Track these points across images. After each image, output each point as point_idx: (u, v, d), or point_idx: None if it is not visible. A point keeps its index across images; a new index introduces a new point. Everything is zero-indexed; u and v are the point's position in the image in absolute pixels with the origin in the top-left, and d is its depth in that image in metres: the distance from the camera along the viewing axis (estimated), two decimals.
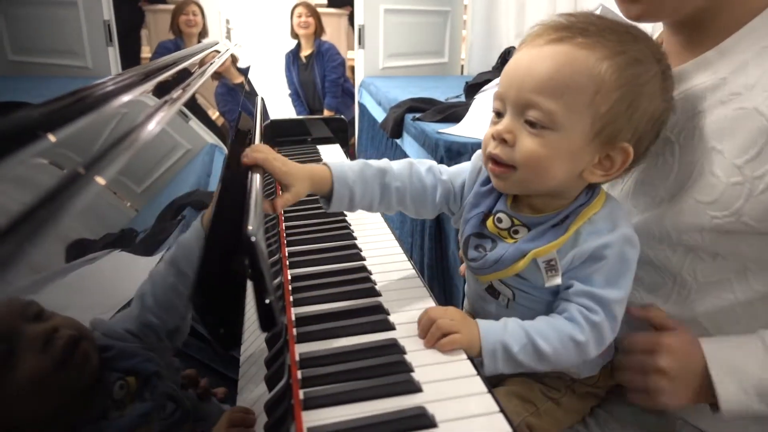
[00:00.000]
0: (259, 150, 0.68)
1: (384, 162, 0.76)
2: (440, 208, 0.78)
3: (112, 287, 0.43)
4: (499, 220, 0.68)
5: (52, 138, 0.39)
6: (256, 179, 0.62)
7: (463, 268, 0.84)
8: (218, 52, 1.51)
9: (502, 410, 0.54)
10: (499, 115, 0.64)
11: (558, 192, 0.65)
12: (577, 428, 0.77)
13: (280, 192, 0.70)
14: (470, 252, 0.70)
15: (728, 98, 0.62)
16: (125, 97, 0.56)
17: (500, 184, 0.67)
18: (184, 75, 0.93)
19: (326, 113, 3.92)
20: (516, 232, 0.67)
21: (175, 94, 0.78)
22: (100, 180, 0.42)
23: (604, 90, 0.58)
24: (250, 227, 0.48)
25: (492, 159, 0.64)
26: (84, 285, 0.40)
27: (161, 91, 0.75)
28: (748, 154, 0.59)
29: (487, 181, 0.71)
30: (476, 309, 0.77)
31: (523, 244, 0.65)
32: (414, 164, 0.76)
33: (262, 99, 1.36)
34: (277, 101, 4.20)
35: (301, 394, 0.55)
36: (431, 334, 0.63)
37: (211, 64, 1.28)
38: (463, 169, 0.77)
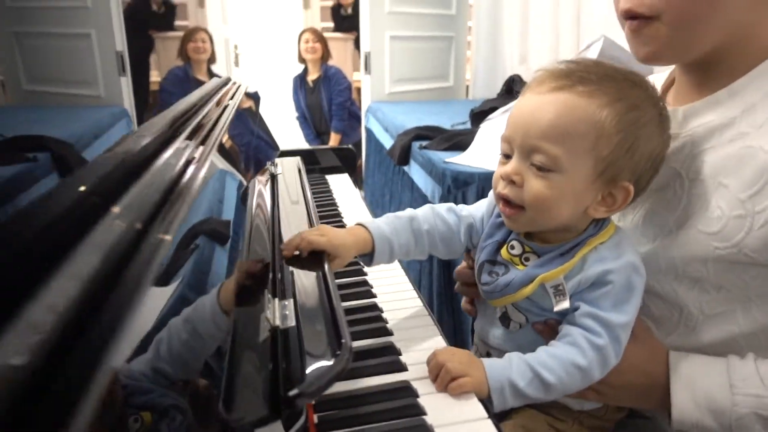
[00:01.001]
0: (306, 237, 0.72)
1: (409, 211, 0.80)
2: (467, 243, 0.81)
3: (146, 328, 0.46)
4: (512, 247, 0.72)
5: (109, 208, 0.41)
6: (332, 282, 0.65)
7: (464, 304, 0.86)
8: (235, 85, 1.55)
9: None
10: (507, 156, 0.68)
11: (565, 227, 0.68)
12: None
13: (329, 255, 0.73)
14: (483, 277, 0.73)
15: (737, 137, 0.65)
16: (165, 154, 0.59)
17: (511, 224, 0.70)
18: (209, 117, 0.96)
19: (333, 136, 3.97)
20: (527, 259, 0.70)
21: (202, 136, 0.81)
22: (131, 216, 0.44)
23: (605, 135, 0.62)
24: (348, 341, 0.52)
25: (502, 199, 0.68)
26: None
27: (190, 136, 0.78)
28: (752, 190, 0.62)
29: (500, 213, 0.74)
30: (484, 339, 0.79)
31: (532, 270, 0.68)
32: (435, 207, 0.81)
33: (300, 163, 1.36)
34: (285, 124, 4.26)
35: None
36: (441, 378, 0.65)
37: (232, 98, 1.32)
38: (482, 204, 0.81)
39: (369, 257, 0.77)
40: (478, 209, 0.81)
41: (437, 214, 0.80)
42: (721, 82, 0.67)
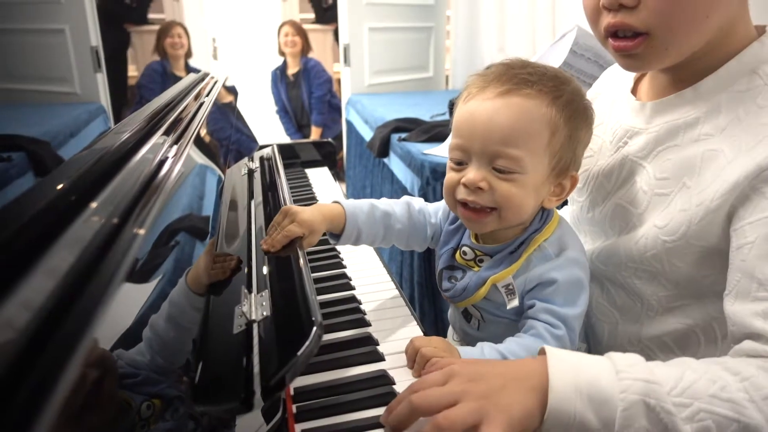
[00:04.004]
0: (282, 231, 0.73)
1: (387, 205, 0.83)
2: (428, 243, 0.85)
3: (124, 321, 0.47)
4: (465, 253, 0.76)
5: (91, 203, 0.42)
6: (305, 267, 0.66)
7: None
8: (212, 80, 1.55)
9: None
10: (459, 163, 0.69)
11: (523, 221, 0.72)
12: None
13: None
14: (444, 283, 0.77)
15: (701, 137, 0.66)
16: (142, 149, 0.60)
17: (477, 227, 0.72)
18: (186, 112, 0.96)
19: (314, 130, 3.96)
20: (481, 261, 0.74)
21: (179, 132, 0.81)
22: (108, 212, 0.45)
23: (557, 131, 0.67)
24: (317, 318, 0.53)
25: (464, 205, 0.69)
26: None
27: (168, 131, 0.79)
28: (700, 186, 0.64)
29: (454, 220, 0.79)
30: (457, 332, 0.84)
31: (484, 272, 0.72)
32: (410, 204, 0.84)
33: (277, 152, 1.36)
34: (265, 118, 4.23)
35: (296, 428, 0.59)
36: (417, 363, 0.67)
37: (208, 94, 1.32)
38: (438, 208, 0.84)
39: (336, 236, 0.80)
40: (437, 212, 0.84)
41: (411, 214, 0.83)
42: (690, 79, 0.68)
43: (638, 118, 0.74)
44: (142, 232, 0.43)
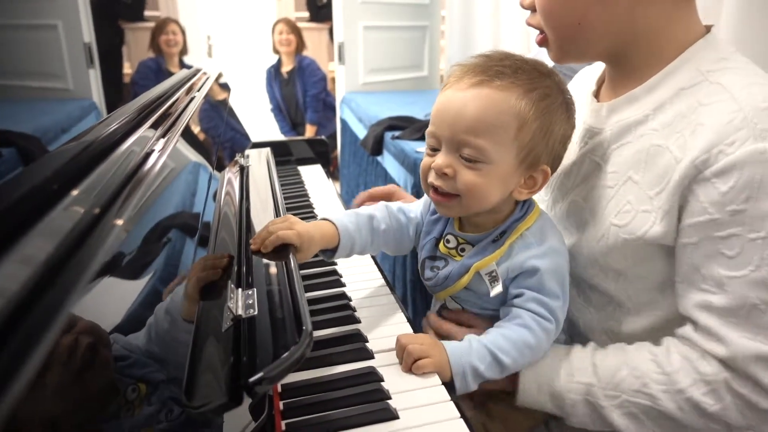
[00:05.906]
0: (275, 232, 0.72)
1: (368, 209, 0.83)
2: (414, 242, 0.85)
3: (100, 311, 0.46)
4: (448, 241, 0.76)
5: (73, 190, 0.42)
6: (296, 272, 0.65)
7: None
8: (204, 76, 1.54)
9: None
10: (433, 149, 0.71)
11: (493, 210, 0.72)
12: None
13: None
14: (426, 272, 0.78)
15: (648, 133, 0.69)
16: (129, 139, 0.59)
17: (444, 210, 0.74)
18: (176, 107, 0.96)
19: (308, 128, 3.95)
20: (463, 250, 0.75)
21: (168, 125, 0.80)
22: (90, 202, 0.44)
23: (526, 124, 0.67)
24: (308, 327, 0.53)
25: (434, 188, 0.71)
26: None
27: (156, 124, 0.78)
28: (658, 188, 0.66)
29: (435, 210, 0.79)
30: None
31: (467, 260, 0.73)
32: (389, 206, 0.84)
33: (270, 154, 1.34)
34: (260, 116, 4.22)
35: (283, 425, 0.58)
36: (404, 360, 0.68)
37: (200, 89, 1.31)
38: (420, 203, 0.85)
39: (331, 252, 0.79)
40: (418, 208, 0.85)
41: (391, 213, 0.83)
42: (640, 79, 0.71)
43: (597, 118, 0.77)
44: (122, 223, 0.43)
